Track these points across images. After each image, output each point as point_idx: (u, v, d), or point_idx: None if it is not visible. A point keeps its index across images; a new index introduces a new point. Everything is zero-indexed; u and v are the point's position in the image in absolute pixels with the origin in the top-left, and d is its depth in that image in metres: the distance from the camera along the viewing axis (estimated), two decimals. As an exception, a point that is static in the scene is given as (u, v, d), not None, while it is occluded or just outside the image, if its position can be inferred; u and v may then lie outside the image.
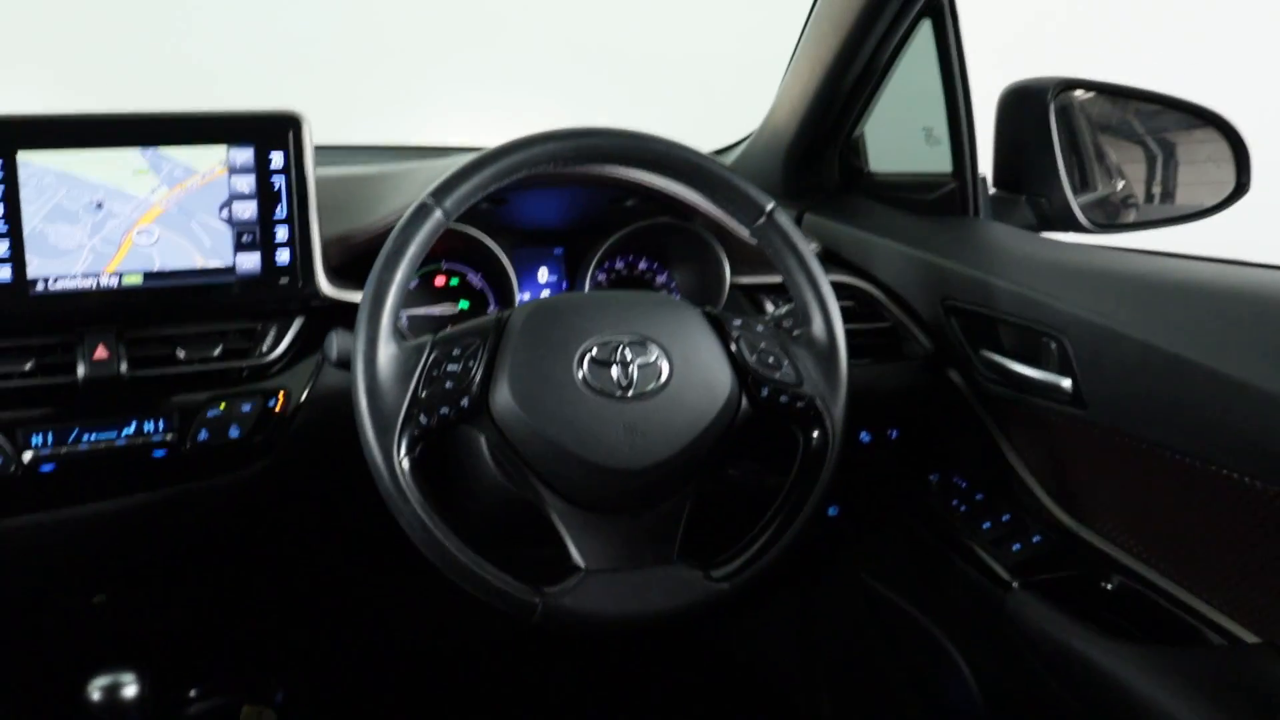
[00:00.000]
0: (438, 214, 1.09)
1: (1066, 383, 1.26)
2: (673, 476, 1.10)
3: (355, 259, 1.33)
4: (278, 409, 1.27)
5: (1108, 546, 1.30)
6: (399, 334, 1.09)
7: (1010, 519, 1.40)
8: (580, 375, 1.09)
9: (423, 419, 1.05)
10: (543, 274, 1.57)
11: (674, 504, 1.11)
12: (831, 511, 1.59)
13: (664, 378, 1.11)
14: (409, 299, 1.47)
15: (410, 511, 1.03)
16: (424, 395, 1.06)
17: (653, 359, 1.11)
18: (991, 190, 1.60)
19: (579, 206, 1.54)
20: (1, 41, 2.47)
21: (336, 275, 1.32)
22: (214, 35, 2.65)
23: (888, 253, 1.55)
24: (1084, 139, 1.63)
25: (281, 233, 1.27)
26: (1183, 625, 1.19)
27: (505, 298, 1.47)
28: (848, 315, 1.27)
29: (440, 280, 1.50)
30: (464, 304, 1.50)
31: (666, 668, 2.02)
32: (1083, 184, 1.60)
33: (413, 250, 1.08)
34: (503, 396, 1.07)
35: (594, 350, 1.10)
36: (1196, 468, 1.13)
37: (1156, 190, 1.68)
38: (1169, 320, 1.16)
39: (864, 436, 1.51)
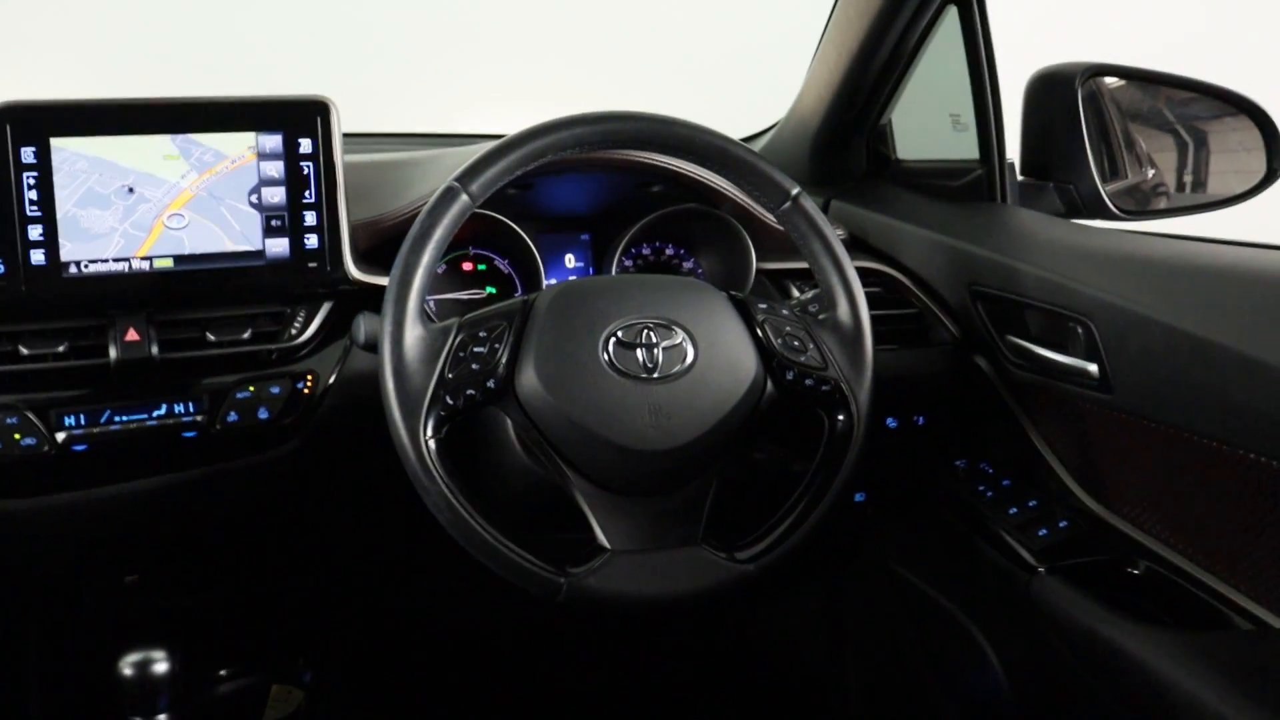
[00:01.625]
0: (464, 198, 1.10)
1: (1093, 367, 1.26)
2: (698, 459, 1.10)
3: (383, 243, 1.33)
4: (306, 391, 1.28)
5: (1134, 531, 1.29)
6: (426, 317, 1.09)
7: (1037, 504, 1.40)
8: (605, 357, 1.09)
9: (449, 400, 1.05)
10: (569, 260, 1.57)
11: (699, 486, 1.11)
12: (858, 498, 1.59)
13: (689, 360, 1.11)
14: (436, 284, 1.48)
15: (436, 491, 1.03)
16: (450, 377, 1.06)
17: (678, 341, 1.11)
18: (1019, 177, 1.60)
19: (606, 192, 1.54)
20: (35, 33, 2.50)
21: (364, 260, 1.32)
22: (243, 24, 2.67)
23: (914, 239, 1.54)
24: (1113, 125, 1.62)
25: (310, 218, 1.28)
26: (1209, 610, 1.18)
27: (532, 283, 1.47)
28: (874, 301, 1.27)
29: (467, 266, 1.51)
30: (491, 289, 1.51)
31: (691, 655, 2.02)
32: (1112, 171, 1.59)
33: (439, 234, 1.09)
34: (528, 378, 1.07)
35: (619, 333, 1.10)
36: (1223, 452, 1.12)
37: (1187, 178, 1.67)
38: (1195, 304, 1.15)
39: (890, 422, 1.51)
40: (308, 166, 1.27)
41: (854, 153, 1.80)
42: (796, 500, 1.15)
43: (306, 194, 1.27)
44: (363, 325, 1.15)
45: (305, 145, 1.27)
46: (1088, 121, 1.52)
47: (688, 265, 1.60)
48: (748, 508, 1.18)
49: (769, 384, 1.15)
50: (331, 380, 1.29)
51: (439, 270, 1.48)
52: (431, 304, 1.47)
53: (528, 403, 1.07)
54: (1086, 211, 1.54)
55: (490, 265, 1.51)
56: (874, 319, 1.21)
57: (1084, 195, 1.53)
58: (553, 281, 1.52)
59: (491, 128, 1.84)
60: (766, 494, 1.22)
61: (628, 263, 1.57)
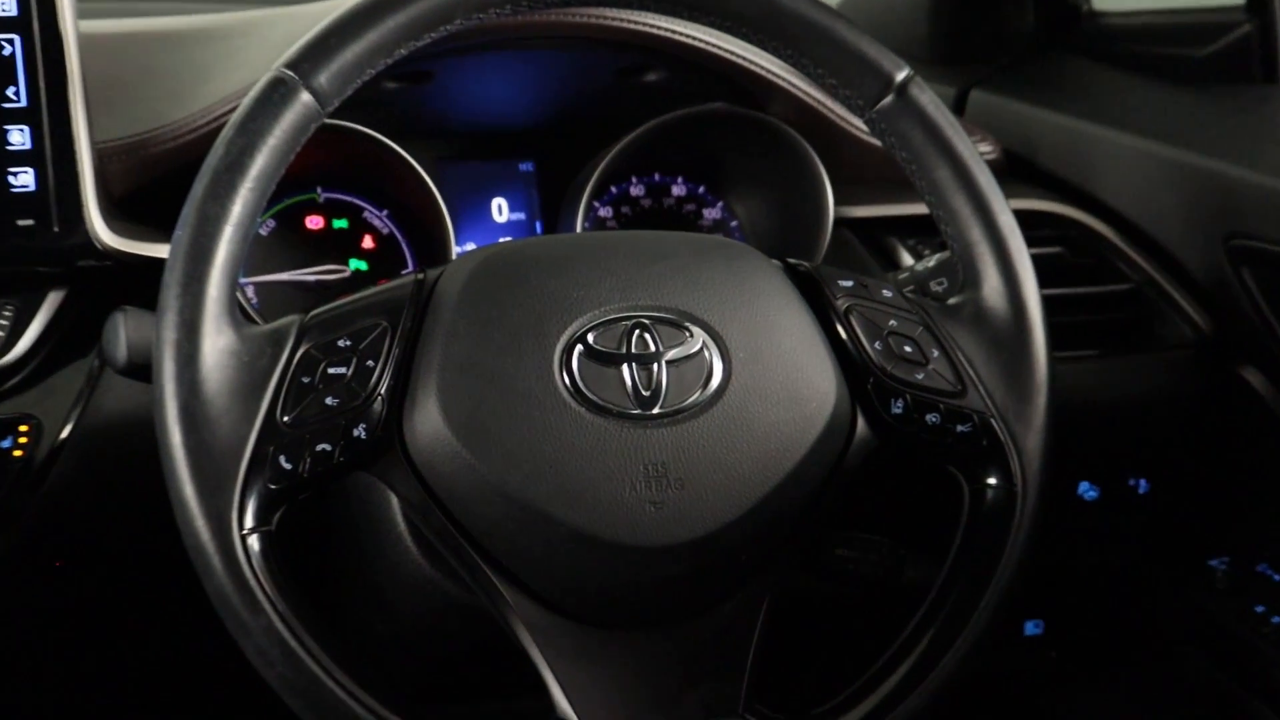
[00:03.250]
0: (305, 97, 1.09)
1: None
2: (734, 561, 1.10)
3: (157, 183, 1.35)
4: (18, 454, 1.28)
5: None
6: (241, 315, 1.08)
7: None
8: (565, 380, 1.08)
9: (284, 464, 1.04)
10: (499, 208, 1.59)
11: (738, 610, 1.11)
12: (1030, 629, 1.59)
13: (716, 383, 1.10)
14: (258, 254, 1.49)
15: (261, 628, 1.02)
16: (286, 422, 1.05)
17: (695, 350, 1.11)
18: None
19: (562, 85, 1.56)
20: None
21: (124, 213, 1.33)
22: None
23: (1124, 156, 1.56)
24: None
25: (17, 136, 1.29)
26: None
27: (432, 251, 1.49)
28: (1052, 270, 1.28)
29: (315, 222, 1.52)
30: (358, 264, 1.53)
31: None
32: None
33: (260, 163, 1.07)
34: (428, 421, 1.07)
35: (590, 335, 1.09)
36: None
37: None
38: None
39: (1086, 490, 1.52)
40: (11, 42, 1.28)
41: (1011, 4, 1.82)
42: (915, 633, 1.15)
43: (12, 93, 1.28)
44: (124, 331, 1.14)
45: (4, 2, 1.28)
46: None
47: (711, 215, 1.62)
48: (826, 646, 1.18)
49: (860, 423, 1.15)
50: (65, 433, 1.30)
51: (262, 231, 1.49)
52: (250, 291, 1.48)
53: (427, 465, 1.07)
54: None
55: (356, 220, 1.53)
56: (1051, 303, 1.21)
57: None
58: (470, 247, 1.53)
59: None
60: (859, 622, 1.22)
61: (603, 211, 1.59)
